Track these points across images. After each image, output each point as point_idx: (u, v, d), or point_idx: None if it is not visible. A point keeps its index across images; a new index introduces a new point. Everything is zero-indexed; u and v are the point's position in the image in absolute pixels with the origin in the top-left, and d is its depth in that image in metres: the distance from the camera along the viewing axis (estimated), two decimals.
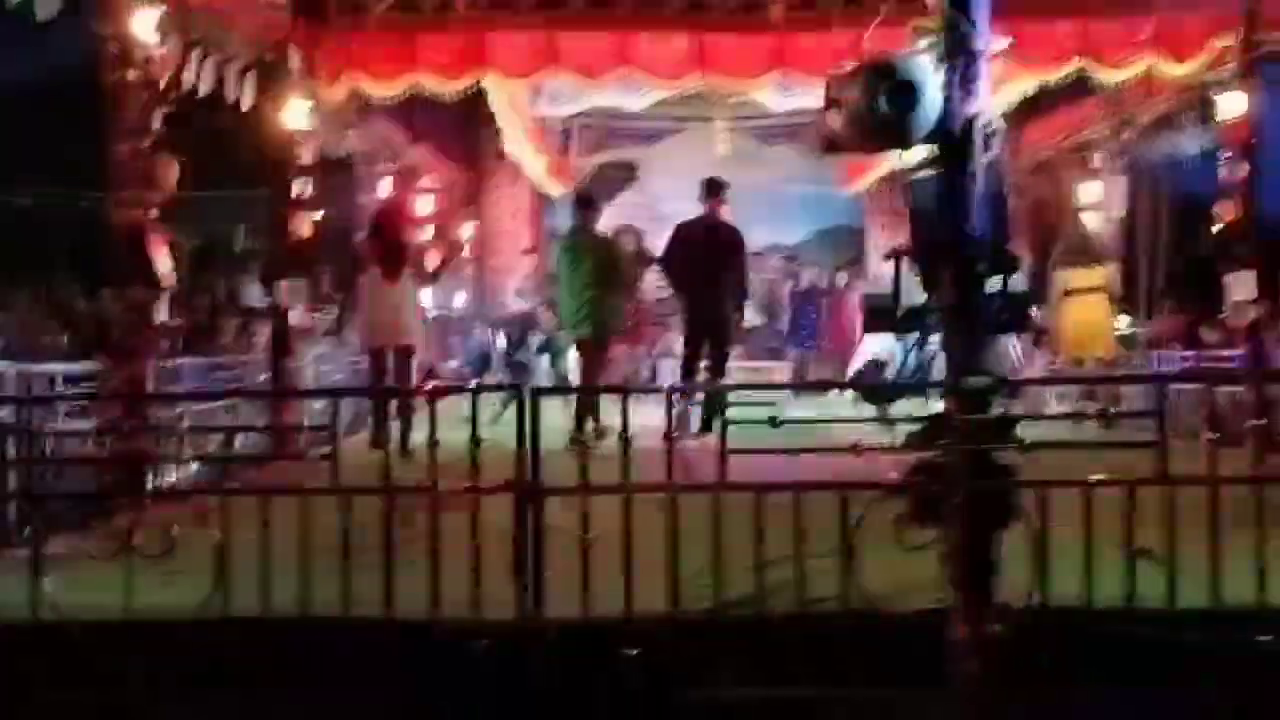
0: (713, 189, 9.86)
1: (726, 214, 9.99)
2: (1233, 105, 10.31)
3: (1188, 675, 4.02)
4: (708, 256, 9.50)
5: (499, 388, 4.95)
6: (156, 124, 7.89)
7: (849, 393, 15.00)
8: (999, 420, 4.15)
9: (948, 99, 4.03)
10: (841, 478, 4.43)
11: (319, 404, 10.38)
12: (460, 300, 18.91)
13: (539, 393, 4.14)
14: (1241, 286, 10.20)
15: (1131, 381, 9.60)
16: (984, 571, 4.08)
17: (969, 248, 4.03)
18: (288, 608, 4.16)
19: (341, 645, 4.11)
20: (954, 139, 4.13)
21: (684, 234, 9.72)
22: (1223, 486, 4.21)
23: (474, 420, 4.21)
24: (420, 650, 4.09)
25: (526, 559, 4.10)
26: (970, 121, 4.12)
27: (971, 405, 4.10)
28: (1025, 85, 12.37)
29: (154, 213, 7.77)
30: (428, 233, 17.21)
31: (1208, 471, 4.18)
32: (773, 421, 4.17)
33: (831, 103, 4.14)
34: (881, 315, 4.19)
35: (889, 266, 8.74)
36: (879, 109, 3.91)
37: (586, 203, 10.12)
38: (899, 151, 4.35)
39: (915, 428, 4.20)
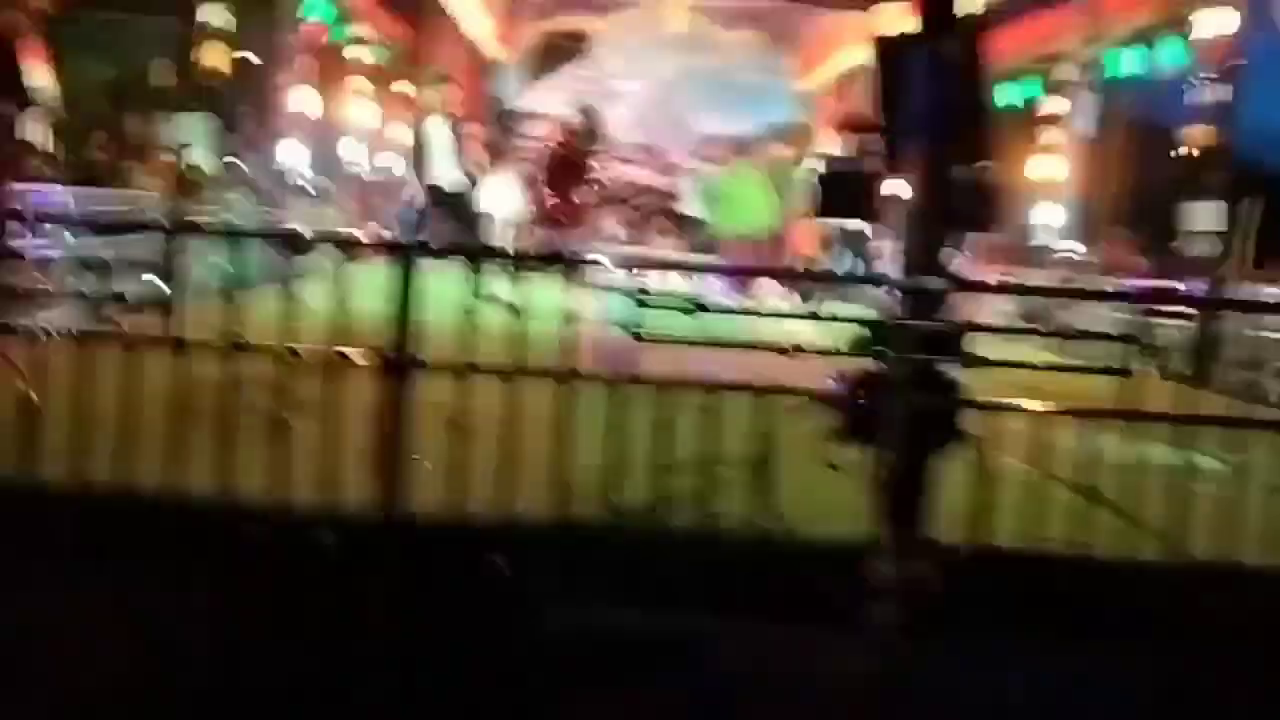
0: None
1: None
2: (1216, 21, 9.70)
3: (1138, 637, 3.52)
4: None
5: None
6: None
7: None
8: (950, 329, 3.57)
9: None
10: (768, 381, 3.84)
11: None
12: (394, 163, 18.03)
13: (422, 251, 3.48)
14: (1202, 217, 9.69)
15: (1098, 299, 8.86)
16: (916, 502, 3.54)
17: (945, 124, 3.41)
18: (110, 478, 3.52)
19: (169, 524, 3.49)
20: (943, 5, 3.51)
21: None
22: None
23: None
24: (259, 538, 3.47)
25: (391, 443, 3.48)
26: None
27: (924, 309, 3.52)
28: None
29: (28, 21, 6.91)
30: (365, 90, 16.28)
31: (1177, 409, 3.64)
32: (691, 309, 3.54)
33: None
34: (838, 191, 3.51)
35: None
36: None
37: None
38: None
39: (856, 330, 3.61)
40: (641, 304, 3.50)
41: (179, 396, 3.51)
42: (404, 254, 3.44)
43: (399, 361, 3.46)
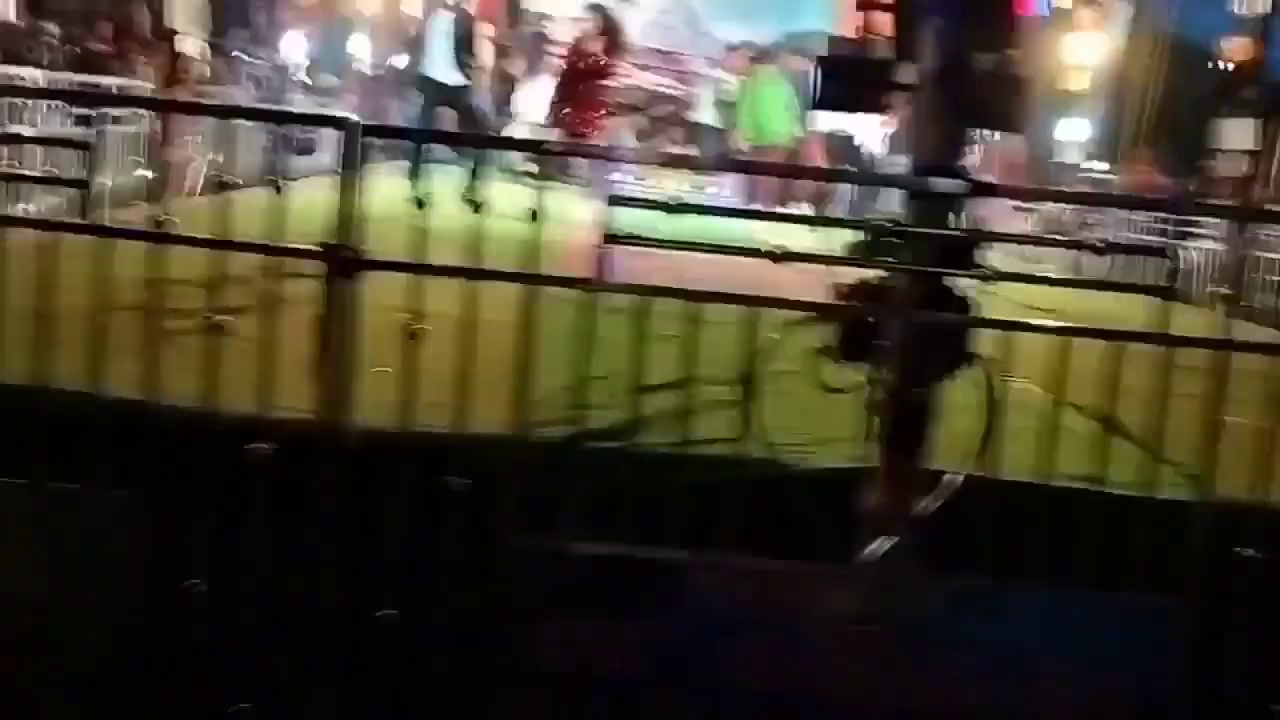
0: None
1: None
2: None
3: (1158, 581, 3.19)
4: None
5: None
6: None
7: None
8: (962, 239, 3.20)
9: None
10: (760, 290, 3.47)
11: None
12: (402, 61, 17.55)
13: (369, 131, 3.11)
14: (1238, 134, 9.21)
15: (1122, 205, 8.37)
16: (918, 428, 3.20)
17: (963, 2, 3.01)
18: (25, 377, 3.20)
19: (87, 427, 3.16)
20: None
21: None
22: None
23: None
24: (185, 447, 3.14)
25: (333, 348, 3.13)
26: None
27: (933, 215, 3.15)
28: None
29: None
30: None
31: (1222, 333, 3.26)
32: (674, 208, 3.15)
33: None
34: (839, 79, 3.10)
35: None
36: None
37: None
38: None
39: (855, 237, 3.24)
40: (616, 201, 3.12)
41: (103, 291, 3.16)
42: (351, 135, 3.07)
43: (344, 258, 3.10)
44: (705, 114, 16.78)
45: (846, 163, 12.61)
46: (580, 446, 3.25)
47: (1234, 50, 9.38)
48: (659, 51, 19.07)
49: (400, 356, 3.16)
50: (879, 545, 3.16)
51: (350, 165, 3.10)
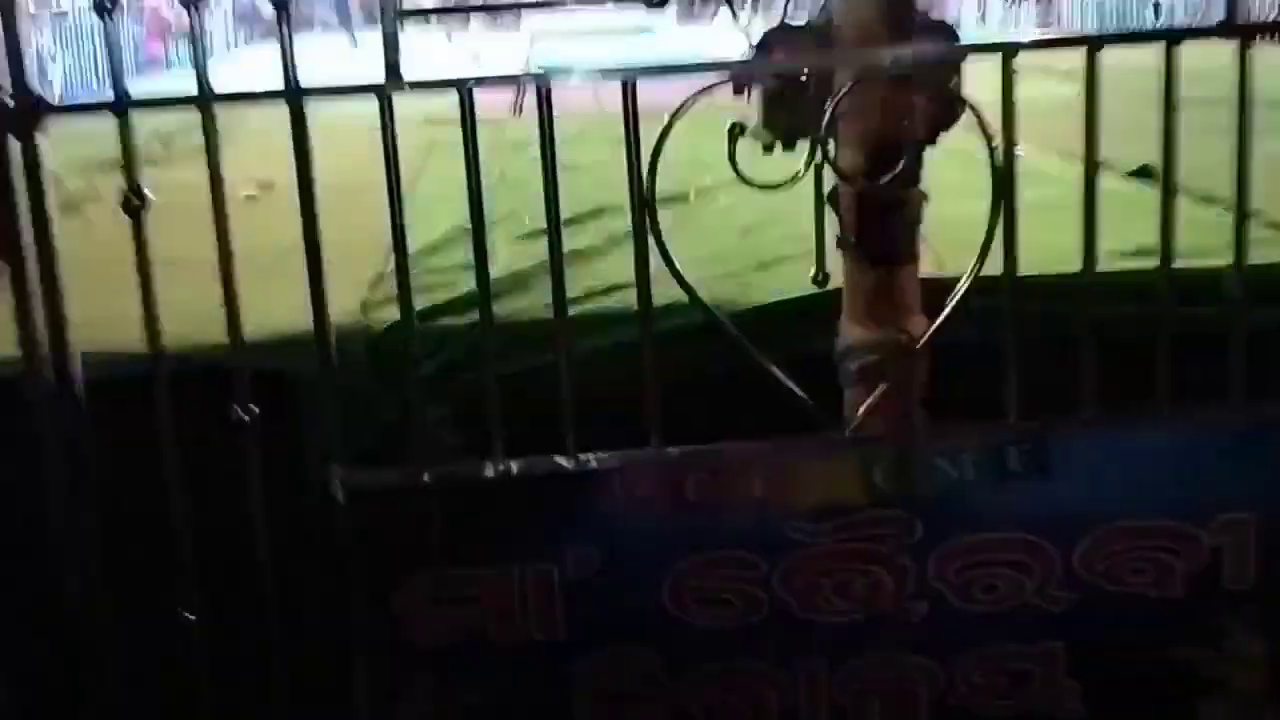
0: None
1: None
2: None
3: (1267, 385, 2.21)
4: None
5: None
6: None
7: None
8: None
9: None
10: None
11: None
12: None
13: None
14: None
15: None
16: (896, 219, 2.19)
17: None
18: None
19: None
20: None
21: None
22: None
23: None
24: None
25: (19, 240, 2.09)
26: None
27: None
28: None
29: None
30: None
31: None
32: None
33: None
34: None
35: None
36: None
37: None
38: None
39: None
40: None
41: None
42: None
43: (7, 108, 2.04)
44: None
45: None
46: (423, 326, 2.24)
47: None
48: None
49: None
50: (864, 394, 2.18)
51: None
